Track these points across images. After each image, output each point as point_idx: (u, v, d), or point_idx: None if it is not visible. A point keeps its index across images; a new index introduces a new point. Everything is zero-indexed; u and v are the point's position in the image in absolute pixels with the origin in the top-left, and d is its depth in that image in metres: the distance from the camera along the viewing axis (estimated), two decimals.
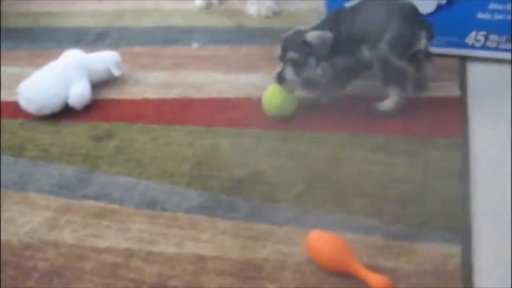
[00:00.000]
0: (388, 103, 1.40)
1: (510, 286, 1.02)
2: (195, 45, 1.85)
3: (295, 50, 1.36)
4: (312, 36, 1.36)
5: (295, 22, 1.85)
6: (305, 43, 1.36)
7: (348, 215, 1.17)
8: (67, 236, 1.19)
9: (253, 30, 1.89)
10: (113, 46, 1.86)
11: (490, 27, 1.59)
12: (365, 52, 1.38)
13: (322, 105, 1.47)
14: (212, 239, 1.15)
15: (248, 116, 1.47)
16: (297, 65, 1.37)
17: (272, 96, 1.43)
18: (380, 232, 1.12)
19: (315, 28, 1.40)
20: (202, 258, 1.11)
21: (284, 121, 1.44)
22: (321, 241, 1.06)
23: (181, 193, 1.26)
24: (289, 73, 1.37)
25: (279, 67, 1.40)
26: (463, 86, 1.52)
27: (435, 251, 1.08)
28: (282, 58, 1.39)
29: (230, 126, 1.45)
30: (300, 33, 1.38)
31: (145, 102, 1.59)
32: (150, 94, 1.62)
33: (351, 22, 1.39)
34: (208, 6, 2.09)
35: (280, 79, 1.39)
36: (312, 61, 1.37)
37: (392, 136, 1.36)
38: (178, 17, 2.05)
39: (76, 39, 1.97)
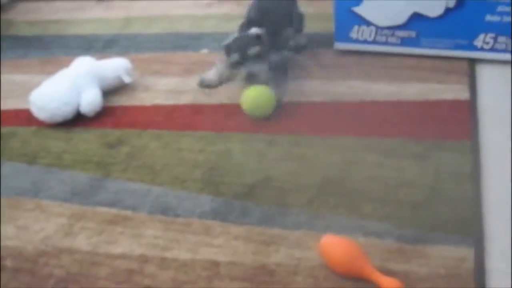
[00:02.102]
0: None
1: None
2: (204, 51, 1.86)
3: (249, 47, 1.49)
4: (259, 30, 1.52)
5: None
6: (259, 37, 1.50)
7: (360, 219, 1.17)
8: (82, 242, 1.20)
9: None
10: (123, 53, 1.88)
11: (498, 29, 1.59)
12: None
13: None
14: (225, 244, 1.15)
15: (259, 121, 1.48)
16: (260, 58, 1.50)
17: (255, 97, 1.48)
18: (392, 236, 1.13)
19: (241, 29, 1.63)
20: (215, 264, 1.12)
21: (295, 125, 1.44)
22: (334, 245, 1.07)
23: (193, 199, 1.27)
24: (257, 67, 1.49)
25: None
26: (472, 89, 1.53)
27: (448, 255, 1.08)
28: (241, 58, 1.50)
29: (241, 131, 1.46)
30: (243, 34, 1.55)
31: (156, 108, 1.60)
32: (161, 100, 1.63)
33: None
34: None
35: (251, 77, 1.50)
36: (267, 52, 1.53)
37: (402, 139, 1.37)
38: (187, 23, 2.07)
39: (86, 47, 1.98)
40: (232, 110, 1.54)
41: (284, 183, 1.28)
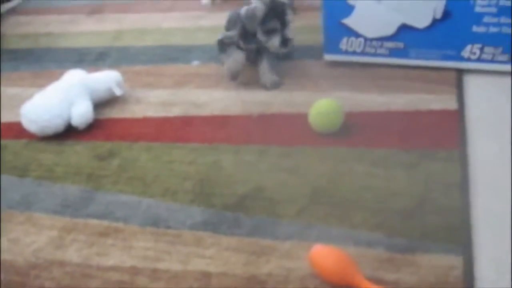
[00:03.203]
0: None
1: None
2: (195, 63, 1.88)
3: (269, 20, 1.62)
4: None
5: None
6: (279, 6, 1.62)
7: (351, 229, 1.18)
8: (73, 255, 1.20)
9: None
10: (114, 65, 1.89)
11: (485, 39, 1.61)
12: None
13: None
14: (216, 255, 1.16)
15: (249, 133, 1.49)
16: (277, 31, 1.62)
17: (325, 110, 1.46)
18: (382, 245, 1.14)
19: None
20: (207, 275, 1.12)
21: (285, 136, 1.46)
22: (324, 255, 1.08)
23: (184, 210, 1.28)
24: (276, 40, 1.63)
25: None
26: (460, 99, 1.54)
27: (437, 263, 1.09)
28: (266, 33, 1.62)
29: (232, 143, 1.47)
30: (251, 10, 1.61)
31: (147, 120, 1.61)
32: (152, 113, 1.64)
33: None
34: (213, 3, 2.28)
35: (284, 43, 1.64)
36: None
37: (391, 149, 1.38)
38: (178, 36, 2.08)
39: (77, 59, 1.99)
40: (223, 121, 1.55)
41: (275, 194, 1.29)
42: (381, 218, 1.20)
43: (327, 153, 1.39)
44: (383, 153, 1.37)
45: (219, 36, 1.72)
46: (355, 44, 1.72)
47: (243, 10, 1.62)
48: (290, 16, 1.64)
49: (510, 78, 1.61)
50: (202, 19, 2.19)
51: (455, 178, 1.28)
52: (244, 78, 1.73)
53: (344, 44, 1.72)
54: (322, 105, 1.45)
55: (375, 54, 1.71)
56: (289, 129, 1.48)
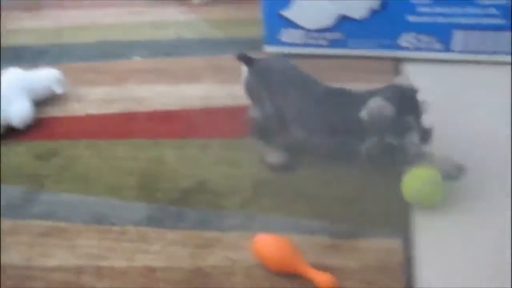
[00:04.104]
0: None
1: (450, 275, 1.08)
2: (136, 58, 1.86)
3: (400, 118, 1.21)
4: None
5: (233, 32, 1.90)
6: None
7: (294, 218, 1.20)
8: (15, 257, 1.18)
9: (193, 42, 1.92)
10: (54, 63, 1.85)
11: (420, 28, 1.66)
12: None
13: None
14: (161, 250, 1.16)
15: (191, 127, 1.50)
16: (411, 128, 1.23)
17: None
18: (325, 232, 1.16)
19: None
20: (152, 270, 1.12)
21: (227, 129, 1.46)
22: (267, 244, 1.09)
23: (128, 207, 1.27)
24: (415, 137, 1.22)
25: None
26: None
27: (378, 247, 1.12)
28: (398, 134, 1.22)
29: (174, 138, 1.46)
30: (377, 110, 1.21)
31: (89, 118, 1.59)
32: (94, 110, 1.62)
33: None
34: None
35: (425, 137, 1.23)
36: None
37: None
38: (118, 31, 2.06)
39: (15, 58, 1.94)
40: (165, 116, 1.55)
41: (218, 187, 1.30)
42: (323, 206, 1.22)
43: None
44: None
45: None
46: (295, 35, 1.74)
47: (363, 113, 1.20)
48: (425, 105, 1.23)
49: (445, 65, 1.67)
50: (142, 15, 2.17)
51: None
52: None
53: (284, 35, 1.74)
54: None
55: (315, 45, 1.74)
56: (231, 122, 1.49)
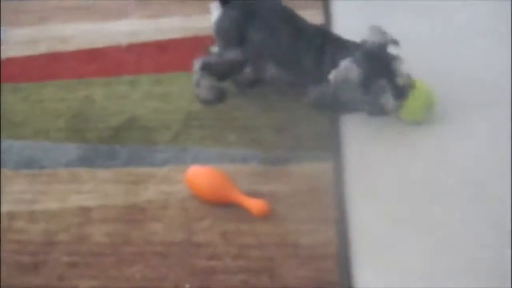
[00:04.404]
0: None
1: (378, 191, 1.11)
2: None
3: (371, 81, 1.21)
4: None
5: None
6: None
7: (226, 148, 1.21)
8: None
9: None
10: None
11: None
12: None
13: None
14: (94, 190, 1.15)
15: (120, 64, 1.46)
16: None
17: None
18: (257, 160, 1.18)
19: None
20: (86, 209, 1.11)
21: (156, 64, 1.43)
22: (199, 175, 1.10)
23: (58, 149, 1.25)
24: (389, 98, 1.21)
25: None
26: (327, 11, 1.57)
27: (309, 171, 1.15)
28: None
29: (102, 76, 1.43)
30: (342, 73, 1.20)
31: (11, 61, 1.52)
32: (16, 52, 1.55)
33: None
34: None
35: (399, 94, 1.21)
36: None
37: None
38: None
39: None
40: (91, 55, 1.50)
41: (149, 122, 1.29)
42: (254, 135, 1.23)
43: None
44: None
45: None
46: None
47: (331, 74, 1.20)
48: (398, 62, 1.21)
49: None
50: None
51: None
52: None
53: None
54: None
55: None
56: (160, 56, 1.46)
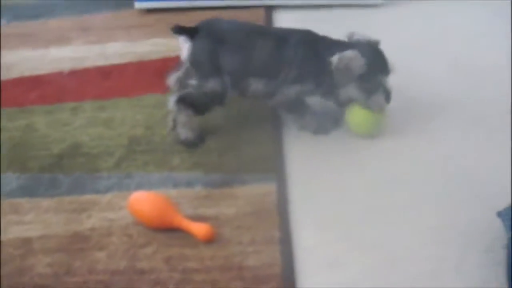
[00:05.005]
0: None
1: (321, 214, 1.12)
2: (2, 22, 1.76)
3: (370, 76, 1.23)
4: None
5: None
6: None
7: (169, 172, 1.21)
8: None
9: (60, 2, 1.84)
10: None
11: None
12: None
13: None
14: (36, 220, 1.13)
15: (62, 91, 1.45)
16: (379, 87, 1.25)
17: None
18: (201, 183, 1.18)
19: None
20: (27, 241, 1.09)
21: (98, 90, 1.42)
22: (142, 201, 1.09)
23: None
24: (381, 97, 1.24)
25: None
26: None
27: (253, 192, 1.15)
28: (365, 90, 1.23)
29: (45, 103, 1.41)
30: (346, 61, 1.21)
31: None
32: None
33: None
34: None
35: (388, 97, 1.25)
36: None
37: None
38: None
39: None
40: (34, 82, 1.48)
41: (92, 149, 1.27)
42: (198, 158, 1.23)
43: (141, 101, 1.39)
44: None
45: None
46: None
47: (335, 58, 1.20)
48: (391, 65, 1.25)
49: (313, 11, 1.70)
50: None
51: (267, 111, 1.33)
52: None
53: None
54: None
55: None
56: (103, 82, 1.46)
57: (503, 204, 1.03)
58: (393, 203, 1.14)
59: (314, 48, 1.24)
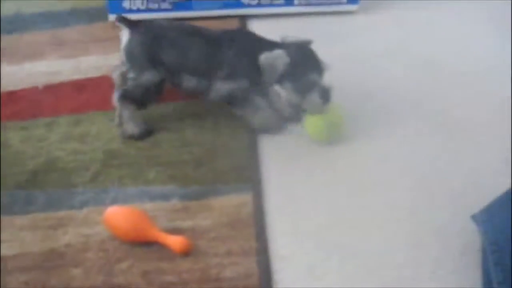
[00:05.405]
0: None
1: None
2: None
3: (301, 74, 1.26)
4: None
5: (75, 3, 1.84)
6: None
7: (145, 185, 1.20)
8: None
9: (34, 16, 1.82)
10: None
11: None
12: None
13: None
14: (10, 238, 1.11)
15: (37, 106, 1.44)
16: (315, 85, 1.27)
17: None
18: (177, 196, 1.17)
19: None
20: (2, 259, 1.07)
21: (74, 104, 1.42)
22: (117, 216, 1.09)
23: None
24: (316, 96, 1.26)
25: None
26: None
27: (229, 203, 1.15)
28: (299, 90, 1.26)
29: (19, 119, 1.40)
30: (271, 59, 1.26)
31: None
32: None
33: None
34: None
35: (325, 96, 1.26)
36: None
37: (179, 102, 1.41)
38: None
39: None
40: (8, 98, 1.47)
41: (68, 164, 1.27)
42: (174, 171, 1.23)
43: (111, 115, 1.38)
44: (172, 106, 1.40)
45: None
46: (138, 1, 1.71)
47: (262, 57, 1.25)
48: (324, 64, 1.27)
49: (289, 20, 1.71)
50: None
51: (241, 121, 1.33)
52: None
53: (127, 2, 1.71)
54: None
55: (159, 10, 1.71)
56: (78, 96, 1.45)
57: (477, 207, 1.04)
58: (368, 209, 1.15)
59: (247, 47, 1.29)
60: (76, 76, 1.53)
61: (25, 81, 1.54)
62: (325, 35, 1.64)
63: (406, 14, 1.77)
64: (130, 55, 1.30)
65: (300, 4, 1.73)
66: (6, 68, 1.60)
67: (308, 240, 1.09)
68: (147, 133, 1.32)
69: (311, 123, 1.28)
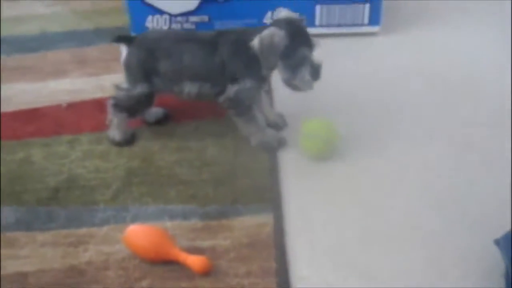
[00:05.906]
0: None
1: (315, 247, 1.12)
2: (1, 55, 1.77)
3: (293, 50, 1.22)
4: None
5: (99, 22, 1.87)
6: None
7: (166, 204, 1.21)
8: None
9: (58, 35, 1.85)
10: None
11: (284, 5, 1.68)
12: None
13: None
14: (32, 254, 1.12)
15: (59, 123, 1.45)
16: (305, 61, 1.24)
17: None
18: (197, 215, 1.18)
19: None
20: (23, 275, 1.09)
21: (96, 122, 1.43)
22: (138, 234, 1.09)
23: None
24: (306, 73, 1.23)
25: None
26: None
27: (249, 224, 1.15)
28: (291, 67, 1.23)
29: (42, 136, 1.42)
30: (268, 37, 1.22)
31: None
32: None
33: None
34: None
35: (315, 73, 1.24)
36: None
37: (201, 121, 1.42)
38: None
39: None
40: (31, 115, 1.49)
41: (89, 181, 1.27)
42: (194, 190, 1.23)
43: (137, 133, 1.40)
44: (194, 125, 1.41)
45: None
46: (161, 21, 1.72)
47: (255, 40, 1.22)
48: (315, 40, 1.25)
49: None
50: (4, 9, 2.07)
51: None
52: None
53: (150, 22, 1.72)
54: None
55: (182, 30, 1.73)
56: (100, 114, 1.45)
57: (500, 231, 1.03)
58: (389, 232, 1.14)
59: (241, 42, 1.26)
60: (99, 95, 1.55)
61: (48, 99, 1.55)
62: (346, 56, 1.66)
63: (428, 35, 1.77)
64: (127, 68, 1.34)
65: (321, 25, 1.74)
66: (30, 86, 1.62)
67: (328, 261, 1.08)
68: (128, 140, 1.37)
69: (305, 141, 1.30)
